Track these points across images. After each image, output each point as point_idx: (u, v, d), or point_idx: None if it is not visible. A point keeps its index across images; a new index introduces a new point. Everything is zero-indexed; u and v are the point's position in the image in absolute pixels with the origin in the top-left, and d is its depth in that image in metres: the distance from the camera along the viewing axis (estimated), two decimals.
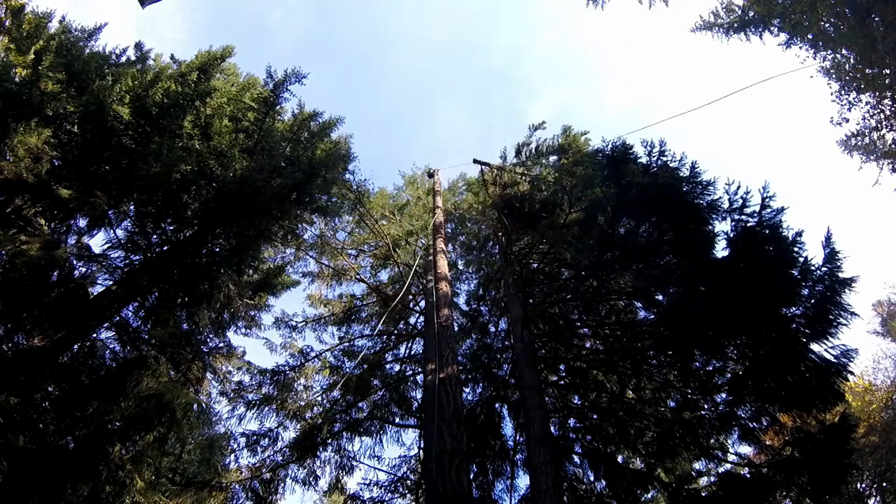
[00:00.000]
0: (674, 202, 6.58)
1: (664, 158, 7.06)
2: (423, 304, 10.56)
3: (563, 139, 10.62)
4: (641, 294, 7.42)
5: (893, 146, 10.70)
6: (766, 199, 5.95)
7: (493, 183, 10.84)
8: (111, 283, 6.87)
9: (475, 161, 11.48)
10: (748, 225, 6.17)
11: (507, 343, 9.73)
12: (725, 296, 5.82)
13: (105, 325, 6.91)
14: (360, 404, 9.61)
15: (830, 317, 5.58)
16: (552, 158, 10.92)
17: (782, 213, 5.95)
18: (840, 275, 5.58)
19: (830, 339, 5.57)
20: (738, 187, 6.23)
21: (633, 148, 7.44)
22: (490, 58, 59.53)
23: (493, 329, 10.45)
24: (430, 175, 13.67)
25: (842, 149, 11.57)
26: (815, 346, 5.66)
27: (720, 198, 6.44)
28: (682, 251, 6.60)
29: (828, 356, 5.56)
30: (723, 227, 6.53)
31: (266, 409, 9.15)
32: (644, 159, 7.17)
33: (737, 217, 6.28)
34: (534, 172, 10.66)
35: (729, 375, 6.39)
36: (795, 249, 5.81)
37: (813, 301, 5.74)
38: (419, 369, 10.07)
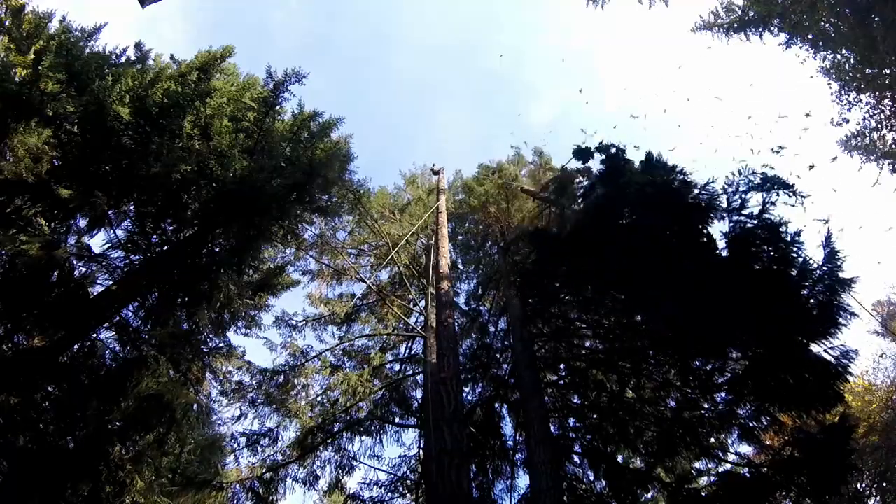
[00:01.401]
0: (673, 201, 6.56)
1: (662, 160, 7.05)
2: (423, 304, 10.56)
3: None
4: (641, 294, 7.40)
5: (893, 146, 10.71)
6: (766, 199, 5.93)
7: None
8: (111, 283, 6.87)
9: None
10: (747, 225, 6.15)
11: (506, 343, 9.73)
12: (724, 296, 5.81)
13: (105, 325, 6.91)
14: (360, 404, 9.61)
15: (830, 317, 5.57)
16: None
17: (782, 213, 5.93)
18: (840, 275, 5.56)
19: (830, 339, 5.56)
20: (738, 187, 6.21)
21: (626, 151, 7.45)
22: (491, 59, 59.48)
23: (492, 329, 10.46)
24: (435, 173, 13.61)
25: (842, 149, 11.59)
26: (814, 347, 5.65)
27: (719, 197, 6.42)
28: (681, 251, 6.58)
29: (827, 357, 5.55)
30: (722, 227, 6.60)
31: (266, 408, 9.18)
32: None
33: (736, 217, 6.25)
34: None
35: (729, 375, 6.38)
36: (795, 249, 5.80)
37: (813, 301, 5.73)
38: (419, 369, 10.07)
